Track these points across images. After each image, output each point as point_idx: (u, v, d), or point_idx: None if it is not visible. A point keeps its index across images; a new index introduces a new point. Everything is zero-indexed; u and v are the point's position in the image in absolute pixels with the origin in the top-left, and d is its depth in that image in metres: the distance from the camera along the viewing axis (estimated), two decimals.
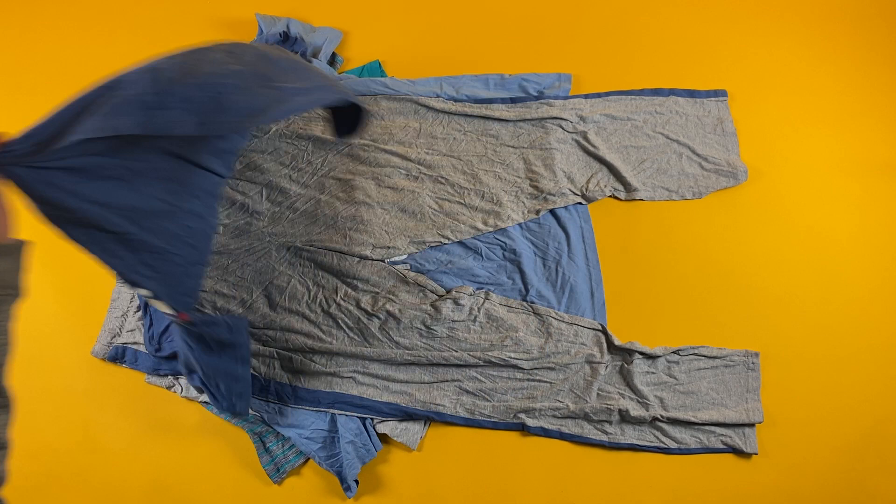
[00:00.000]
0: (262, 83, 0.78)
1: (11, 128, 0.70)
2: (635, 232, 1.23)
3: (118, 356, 1.10)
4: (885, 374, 1.17)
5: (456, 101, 1.25)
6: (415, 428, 1.11)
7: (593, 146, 1.23)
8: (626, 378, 1.14)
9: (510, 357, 1.11)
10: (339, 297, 1.13)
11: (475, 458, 1.12)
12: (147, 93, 0.71)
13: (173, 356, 1.08)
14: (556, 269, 1.19)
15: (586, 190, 1.22)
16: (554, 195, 1.21)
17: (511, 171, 1.22)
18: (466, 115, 1.24)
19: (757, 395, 1.14)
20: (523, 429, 1.11)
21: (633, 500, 1.11)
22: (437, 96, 1.25)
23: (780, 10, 1.36)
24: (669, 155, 1.25)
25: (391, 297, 1.13)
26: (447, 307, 1.13)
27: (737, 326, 1.18)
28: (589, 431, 1.12)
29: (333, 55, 1.31)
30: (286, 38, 1.27)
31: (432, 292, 1.15)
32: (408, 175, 1.21)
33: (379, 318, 1.12)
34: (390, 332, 1.12)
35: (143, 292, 0.83)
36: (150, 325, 1.09)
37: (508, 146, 1.24)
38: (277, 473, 1.08)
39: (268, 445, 1.08)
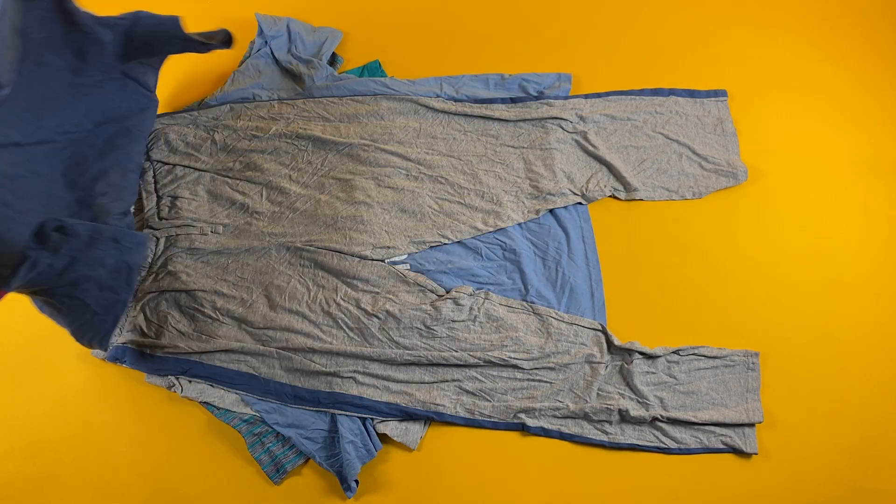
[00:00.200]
0: None
1: None
2: (635, 232, 1.23)
3: (118, 356, 1.10)
4: (886, 374, 1.17)
5: (456, 101, 1.25)
6: (415, 428, 1.11)
7: (593, 146, 1.23)
8: (626, 378, 1.14)
9: (510, 357, 1.12)
10: (339, 297, 1.13)
11: (475, 458, 1.12)
12: None
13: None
14: (556, 269, 1.19)
15: (586, 190, 1.22)
16: (554, 195, 1.21)
17: (511, 171, 1.22)
18: (466, 115, 1.24)
19: (757, 395, 1.14)
20: (523, 429, 1.11)
21: (633, 500, 1.11)
22: (437, 96, 1.25)
23: (781, 10, 1.36)
24: (669, 155, 1.25)
25: (391, 297, 1.14)
26: (447, 307, 1.13)
27: (737, 326, 1.19)
28: (589, 431, 1.12)
29: (333, 55, 1.31)
30: (288, 38, 1.27)
31: (432, 292, 1.15)
32: (408, 175, 1.21)
33: (379, 318, 1.12)
34: (390, 332, 1.12)
35: None
36: None
37: (508, 146, 1.24)
38: (277, 473, 1.08)
39: (268, 445, 1.08)
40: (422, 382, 1.12)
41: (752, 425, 1.12)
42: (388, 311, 1.12)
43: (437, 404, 1.11)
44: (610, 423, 1.12)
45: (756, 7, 1.36)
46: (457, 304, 1.13)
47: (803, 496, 1.12)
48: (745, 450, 1.11)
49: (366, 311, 1.13)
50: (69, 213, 1.00)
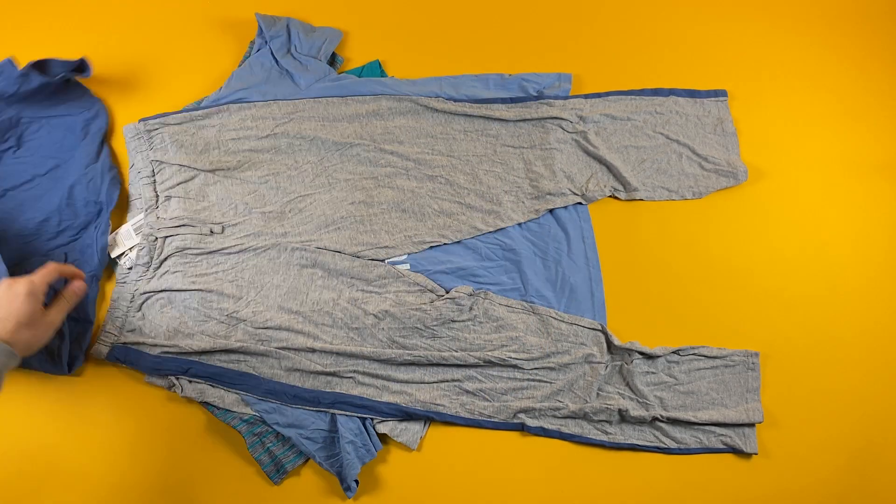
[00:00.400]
0: None
1: None
2: (635, 232, 1.23)
3: (118, 356, 1.10)
4: (886, 374, 1.17)
5: (456, 101, 1.25)
6: (415, 428, 1.11)
7: (593, 146, 1.23)
8: (626, 378, 1.14)
9: (510, 357, 1.12)
10: (338, 297, 1.13)
11: (475, 458, 1.12)
12: None
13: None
14: (556, 269, 1.19)
15: (586, 190, 1.22)
16: (554, 195, 1.21)
17: (511, 171, 1.22)
18: (466, 115, 1.24)
19: (757, 395, 1.14)
20: (523, 429, 1.11)
21: (633, 500, 1.11)
22: (437, 96, 1.25)
23: (781, 10, 1.36)
24: (669, 155, 1.26)
25: (391, 296, 1.14)
26: (447, 307, 1.13)
27: (737, 326, 1.19)
28: (589, 431, 1.12)
29: (333, 55, 1.31)
30: (287, 38, 1.27)
31: (432, 292, 1.15)
32: (408, 175, 1.21)
33: (378, 318, 1.12)
34: (390, 332, 1.12)
35: None
36: None
37: (508, 146, 1.24)
38: (277, 473, 1.08)
39: (268, 445, 1.08)
40: (422, 382, 1.12)
41: (752, 425, 1.12)
42: (387, 311, 1.12)
43: (437, 404, 1.11)
44: (610, 423, 1.12)
45: (756, 7, 1.36)
46: (457, 304, 1.13)
47: (803, 496, 1.12)
48: (745, 450, 1.11)
49: (365, 311, 1.13)
50: None
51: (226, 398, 1.10)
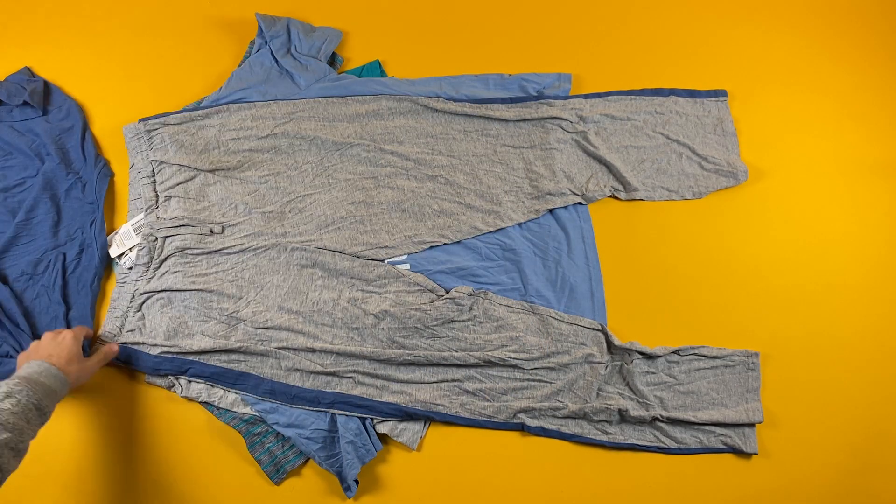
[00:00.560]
0: None
1: None
2: (635, 232, 1.23)
3: (118, 356, 1.10)
4: (886, 374, 1.17)
5: (456, 101, 1.25)
6: (415, 428, 1.11)
7: (593, 146, 1.23)
8: (626, 378, 1.14)
9: (510, 357, 1.12)
10: (338, 297, 1.13)
11: (475, 458, 1.12)
12: None
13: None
14: (556, 269, 1.19)
15: (586, 190, 1.22)
16: (554, 195, 1.21)
17: (511, 171, 1.22)
18: (466, 115, 1.24)
19: (757, 395, 1.14)
20: (523, 429, 1.11)
21: (633, 500, 1.11)
22: (437, 96, 1.25)
23: (781, 10, 1.36)
24: (669, 155, 1.26)
25: (391, 296, 1.13)
26: (447, 307, 1.13)
27: (737, 326, 1.19)
28: (589, 431, 1.12)
29: (333, 55, 1.31)
30: (287, 38, 1.27)
31: (432, 292, 1.15)
32: (408, 175, 1.21)
33: (378, 318, 1.12)
34: (390, 332, 1.12)
35: None
36: None
37: (508, 146, 1.24)
38: (277, 473, 1.08)
39: (268, 445, 1.08)
40: (422, 382, 1.12)
41: (752, 425, 1.12)
42: (387, 311, 1.12)
43: (437, 404, 1.11)
44: (610, 423, 1.12)
45: (756, 7, 1.36)
46: (457, 304, 1.13)
47: (803, 496, 1.12)
48: (745, 450, 1.11)
49: (365, 311, 1.13)
50: None
51: (226, 398, 1.10)
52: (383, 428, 1.10)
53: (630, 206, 1.24)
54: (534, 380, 1.12)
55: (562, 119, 1.24)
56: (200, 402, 1.10)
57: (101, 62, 1.29)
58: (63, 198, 1.17)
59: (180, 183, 1.17)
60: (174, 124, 1.20)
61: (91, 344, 1.10)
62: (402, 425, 1.11)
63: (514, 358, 1.12)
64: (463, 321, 1.13)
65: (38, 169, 1.18)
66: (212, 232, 1.15)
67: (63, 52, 1.29)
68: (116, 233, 1.16)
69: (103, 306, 1.15)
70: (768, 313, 1.19)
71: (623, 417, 1.11)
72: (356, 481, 1.05)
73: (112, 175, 1.21)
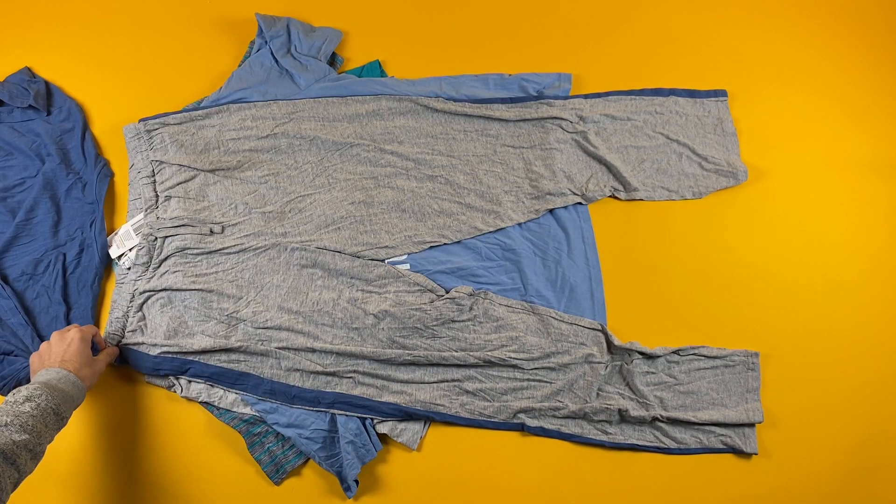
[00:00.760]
0: None
1: None
2: (635, 232, 1.23)
3: (119, 356, 1.10)
4: (885, 374, 1.17)
5: (456, 101, 1.25)
6: (415, 428, 1.11)
7: (593, 146, 1.23)
8: (626, 378, 1.14)
9: (510, 357, 1.12)
10: (338, 297, 1.13)
11: (475, 458, 1.12)
12: None
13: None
14: (556, 269, 1.19)
15: (586, 190, 1.22)
16: (554, 195, 1.21)
17: (511, 171, 1.22)
18: (466, 115, 1.24)
19: (757, 395, 1.14)
20: (523, 429, 1.11)
21: (633, 500, 1.11)
22: (437, 96, 1.25)
23: (780, 10, 1.36)
24: (669, 155, 1.26)
25: (391, 296, 1.13)
26: (447, 307, 1.13)
27: (737, 326, 1.19)
28: (589, 431, 1.12)
29: (333, 55, 1.31)
30: (287, 38, 1.27)
31: (432, 292, 1.15)
32: (408, 175, 1.21)
33: (378, 318, 1.12)
34: (390, 332, 1.12)
35: None
36: None
37: (508, 146, 1.24)
38: (277, 473, 1.08)
39: (268, 445, 1.08)
40: (422, 382, 1.12)
41: (752, 425, 1.12)
42: (387, 311, 1.12)
43: (437, 404, 1.11)
44: (610, 423, 1.12)
45: (756, 7, 1.36)
46: (457, 304, 1.13)
47: (803, 496, 1.12)
48: (745, 450, 1.11)
49: (365, 311, 1.13)
50: None
51: (226, 398, 1.10)
52: (383, 428, 1.10)
53: (630, 206, 1.24)
54: (534, 380, 1.12)
55: (562, 119, 1.24)
56: (200, 402, 1.10)
57: (101, 62, 1.29)
58: (63, 198, 1.17)
59: (180, 183, 1.17)
60: (174, 124, 1.20)
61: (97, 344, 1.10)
62: (402, 425, 1.11)
63: (514, 358, 1.12)
64: (463, 321, 1.13)
65: (38, 169, 1.18)
66: (212, 232, 1.15)
67: (63, 52, 1.29)
68: (116, 233, 1.16)
69: (104, 306, 1.15)
70: (768, 313, 1.19)
71: (623, 417, 1.11)
72: (356, 481, 1.05)
73: (112, 175, 1.21)
